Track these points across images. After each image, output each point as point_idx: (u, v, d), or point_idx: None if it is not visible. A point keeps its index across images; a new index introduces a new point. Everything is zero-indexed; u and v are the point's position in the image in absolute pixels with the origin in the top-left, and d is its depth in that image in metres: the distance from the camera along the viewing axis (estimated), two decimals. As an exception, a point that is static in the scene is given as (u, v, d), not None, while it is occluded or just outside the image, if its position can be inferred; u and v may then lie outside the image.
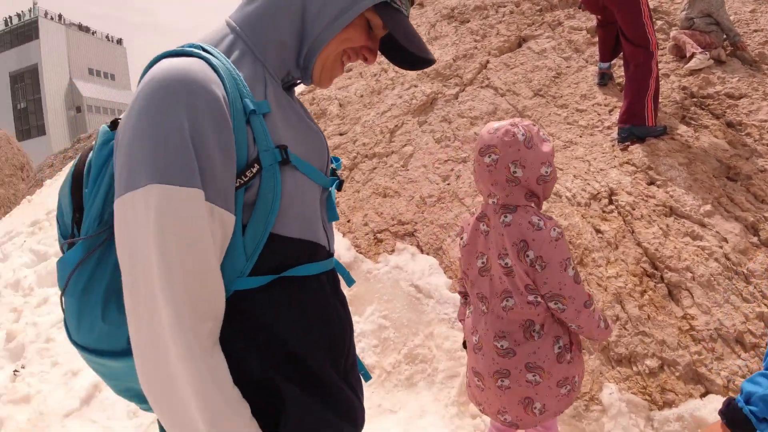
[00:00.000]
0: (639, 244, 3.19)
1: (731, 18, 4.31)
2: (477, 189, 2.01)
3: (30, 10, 58.74)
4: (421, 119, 5.15)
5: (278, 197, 0.91)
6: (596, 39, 4.64)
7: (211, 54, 0.90)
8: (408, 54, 1.08)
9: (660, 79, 3.93)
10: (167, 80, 0.82)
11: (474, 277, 2.01)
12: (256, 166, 0.89)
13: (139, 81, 0.90)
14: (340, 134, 5.53)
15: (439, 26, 6.25)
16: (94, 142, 0.99)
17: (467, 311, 2.15)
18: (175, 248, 0.79)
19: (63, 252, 0.97)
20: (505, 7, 5.88)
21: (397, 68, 5.05)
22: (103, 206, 0.92)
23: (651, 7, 4.01)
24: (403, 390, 3.23)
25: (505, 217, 1.82)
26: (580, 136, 4.08)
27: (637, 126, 3.73)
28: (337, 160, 1.18)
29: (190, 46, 0.92)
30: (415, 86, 5.52)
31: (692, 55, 4.12)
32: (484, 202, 1.97)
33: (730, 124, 3.70)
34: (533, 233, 1.76)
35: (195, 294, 0.81)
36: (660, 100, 3.87)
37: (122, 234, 0.81)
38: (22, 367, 4.25)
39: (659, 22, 4.67)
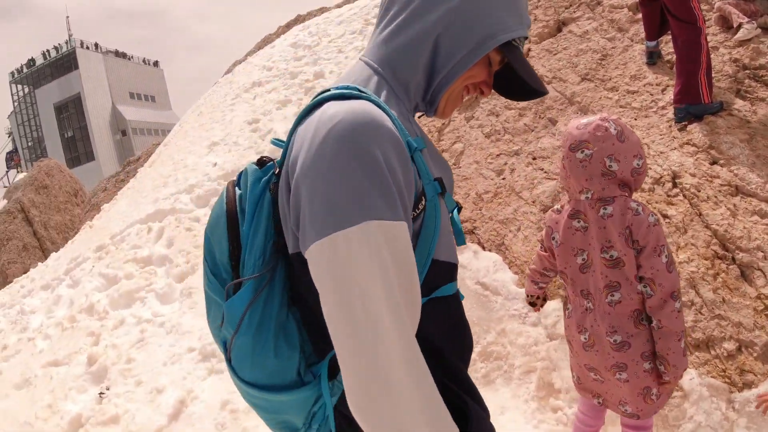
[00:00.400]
0: (708, 227, 3.14)
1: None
2: (564, 186, 2.03)
3: (66, 42, 60.70)
4: (467, 115, 5.16)
5: (438, 226, 0.96)
6: (639, 16, 4.54)
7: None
8: (519, 86, 1.10)
9: (710, 52, 3.84)
10: (356, 121, 0.84)
11: (574, 274, 2.03)
12: (424, 199, 0.93)
13: (298, 121, 0.94)
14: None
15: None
16: (237, 179, 1.04)
17: (566, 311, 2.18)
18: (397, 281, 0.82)
19: (223, 293, 0.99)
20: (538, -9, 5.79)
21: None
22: (264, 244, 0.96)
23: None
24: (481, 388, 3.21)
25: (605, 209, 1.86)
26: (635, 119, 4.01)
27: (693, 105, 3.64)
28: None
29: (349, 88, 0.93)
30: (457, 83, 5.50)
31: (739, 26, 3.98)
32: (572, 199, 1.99)
33: (786, 95, 3.59)
34: (632, 218, 1.82)
35: (412, 320, 0.86)
36: (713, 75, 3.78)
37: (334, 272, 0.81)
38: (107, 389, 4.36)
39: (702, -7, 4.54)
